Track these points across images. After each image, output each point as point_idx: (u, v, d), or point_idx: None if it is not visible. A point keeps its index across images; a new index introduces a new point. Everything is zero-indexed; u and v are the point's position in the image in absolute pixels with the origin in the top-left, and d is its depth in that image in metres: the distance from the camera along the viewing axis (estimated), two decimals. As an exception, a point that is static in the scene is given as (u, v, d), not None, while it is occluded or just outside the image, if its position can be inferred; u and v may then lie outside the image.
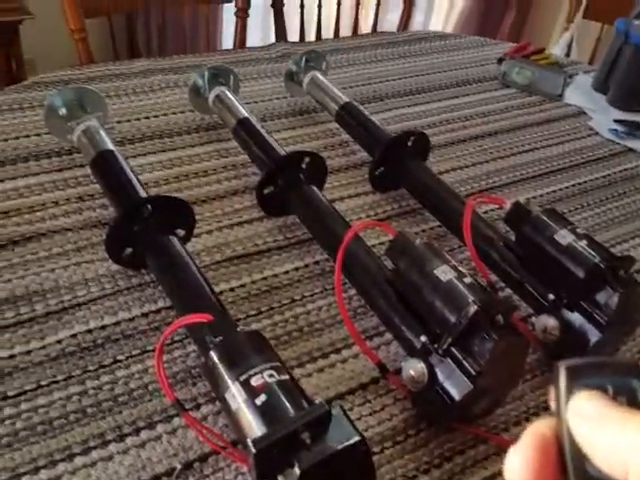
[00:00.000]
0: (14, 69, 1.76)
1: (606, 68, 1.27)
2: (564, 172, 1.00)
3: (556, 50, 1.68)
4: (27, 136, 0.88)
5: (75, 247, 0.70)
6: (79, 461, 0.50)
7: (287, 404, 0.44)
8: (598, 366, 0.25)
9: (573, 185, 0.97)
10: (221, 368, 0.47)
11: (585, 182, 0.99)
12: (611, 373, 0.24)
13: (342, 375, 0.61)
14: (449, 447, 0.56)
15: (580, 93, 1.27)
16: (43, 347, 0.59)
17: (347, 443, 0.42)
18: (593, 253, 0.63)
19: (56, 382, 0.56)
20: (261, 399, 0.44)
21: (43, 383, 0.56)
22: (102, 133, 0.78)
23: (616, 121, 1.18)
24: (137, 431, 0.53)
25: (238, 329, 0.52)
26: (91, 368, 0.58)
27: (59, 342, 0.60)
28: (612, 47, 1.26)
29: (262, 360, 0.47)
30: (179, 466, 0.51)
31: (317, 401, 0.44)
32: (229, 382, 0.46)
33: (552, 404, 0.25)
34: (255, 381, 0.45)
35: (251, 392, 0.45)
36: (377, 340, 0.65)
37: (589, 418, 0.23)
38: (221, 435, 0.53)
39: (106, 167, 0.73)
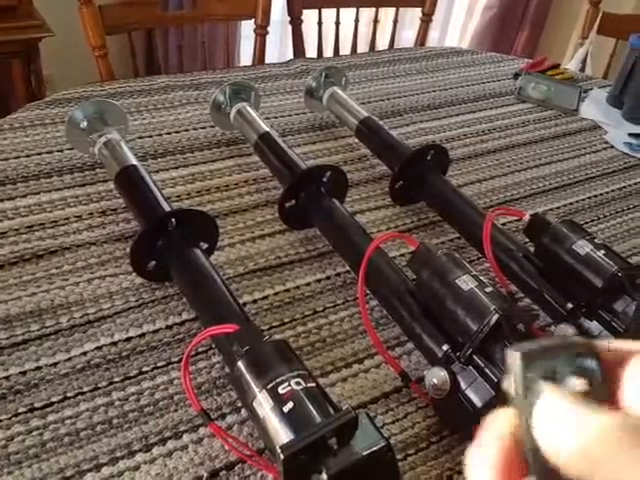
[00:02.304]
0: (33, 86, 1.78)
1: (620, 83, 1.28)
2: (580, 185, 1.01)
3: (571, 65, 1.68)
4: (50, 152, 0.89)
5: (99, 261, 0.71)
6: (106, 471, 0.51)
7: (314, 411, 0.44)
8: (553, 349, 0.24)
9: (589, 197, 0.98)
10: (248, 377, 0.48)
11: (601, 194, 0.99)
12: (567, 355, 0.23)
13: (365, 384, 0.61)
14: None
15: (595, 107, 1.28)
16: (69, 359, 0.60)
17: (373, 449, 0.42)
18: (611, 262, 0.63)
19: (82, 393, 0.57)
20: (288, 406, 0.45)
21: (69, 394, 0.57)
22: (124, 146, 0.79)
23: (631, 135, 1.18)
24: (163, 441, 0.54)
25: (264, 339, 0.53)
26: (117, 379, 0.59)
27: (84, 354, 0.61)
28: (626, 62, 1.26)
29: (289, 368, 0.47)
30: (206, 475, 0.52)
31: (344, 407, 0.44)
32: (256, 390, 0.47)
33: (511, 392, 0.24)
34: (282, 389, 0.46)
35: (278, 400, 0.45)
36: (399, 350, 0.65)
37: (552, 421, 0.22)
38: (246, 444, 0.53)
39: (130, 181, 0.75)
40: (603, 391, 0.23)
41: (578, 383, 0.23)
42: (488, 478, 0.24)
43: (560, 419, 0.22)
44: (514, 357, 0.24)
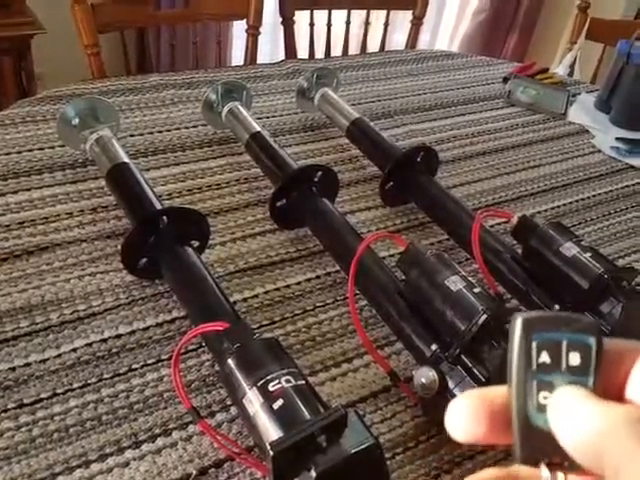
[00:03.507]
0: (24, 83, 1.77)
1: (608, 88, 1.29)
2: (568, 188, 1.02)
3: (559, 70, 1.69)
4: (41, 149, 0.89)
5: (89, 258, 0.72)
6: (95, 468, 0.51)
7: (304, 408, 0.45)
8: (556, 320, 0.24)
9: (576, 201, 0.99)
10: (238, 374, 0.48)
11: (588, 198, 1.00)
12: (568, 328, 0.24)
13: (354, 383, 0.62)
14: (459, 453, 0.57)
15: (583, 112, 1.29)
16: (59, 355, 0.60)
17: (362, 446, 0.43)
18: (597, 265, 0.64)
19: (72, 390, 0.57)
20: (278, 404, 0.45)
21: (59, 391, 0.57)
22: (115, 143, 0.79)
23: (618, 139, 1.20)
24: (153, 438, 0.54)
25: (255, 337, 0.53)
26: (106, 376, 0.59)
27: (74, 351, 0.61)
28: (614, 68, 1.28)
29: (279, 366, 0.48)
30: (194, 472, 0.52)
31: (333, 405, 0.44)
32: (246, 388, 0.47)
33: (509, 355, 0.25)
34: (272, 386, 0.46)
35: (268, 397, 0.46)
36: (388, 349, 0.66)
37: (566, 410, 0.23)
38: (236, 441, 0.54)
39: (122, 179, 0.75)
40: (593, 369, 0.24)
41: (572, 356, 0.24)
42: (466, 423, 0.24)
43: (574, 409, 0.23)
44: (516, 322, 0.24)
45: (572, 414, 0.23)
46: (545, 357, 0.24)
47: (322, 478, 0.41)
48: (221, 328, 0.53)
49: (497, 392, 0.25)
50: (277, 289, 0.71)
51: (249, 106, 0.97)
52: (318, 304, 0.70)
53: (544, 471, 0.24)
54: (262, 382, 0.46)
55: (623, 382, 0.24)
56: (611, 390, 0.24)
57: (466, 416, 0.25)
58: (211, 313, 0.59)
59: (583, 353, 0.24)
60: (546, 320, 0.24)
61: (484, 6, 2.82)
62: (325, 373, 0.62)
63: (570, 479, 0.24)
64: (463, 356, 0.54)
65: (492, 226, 0.86)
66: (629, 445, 0.21)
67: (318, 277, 0.74)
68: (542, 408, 0.24)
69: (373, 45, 1.93)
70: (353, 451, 0.42)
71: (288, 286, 0.72)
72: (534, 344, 0.24)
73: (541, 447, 0.24)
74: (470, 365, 0.54)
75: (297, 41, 1.69)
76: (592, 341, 0.24)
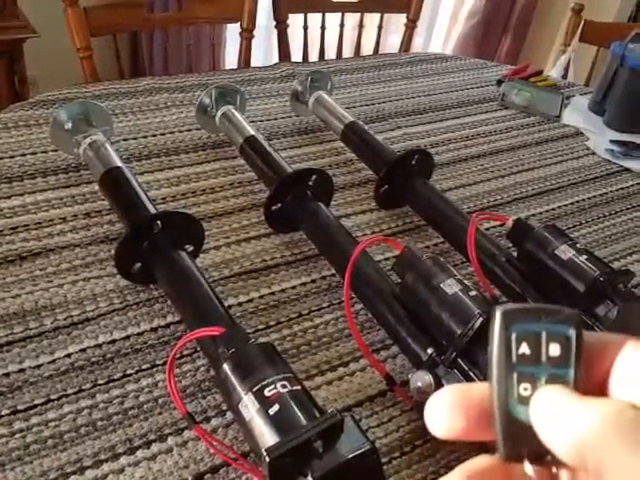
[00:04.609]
0: (17, 86, 1.77)
1: (602, 90, 1.29)
2: (562, 190, 1.02)
3: (553, 72, 1.70)
4: (34, 153, 0.89)
5: (83, 263, 0.71)
6: (90, 474, 0.51)
7: (300, 414, 0.45)
8: (535, 312, 0.24)
9: (571, 203, 0.99)
10: (234, 379, 0.48)
11: (583, 200, 1.00)
12: (547, 320, 0.24)
13: (350, 388, 0.61)
14: (455, 456, 0.56)
15: (577, 114, 1.29)
16: (53, 361, 0.60)
17: (359, 452, 0.43)
18: (593, 268, 0.64)
19: (66, 396, 0.57)
20: (274, 409, 0.45)
21: (53, 397, 0.56)
22: (108, 148, 0.79)
23: (612, 141, 1.20)
24: (148, 444, 0.54)
25: (250, 341, 0.53)
26: (101, 382, 0.58)
27: (68, 356, 0.60)
28: (608, 70, 1.28)
29: (275, 371, 0.48)
30: (190, 478, 0.52)
31: (329, 410, 0.44)
32: (242, 393, 0.47)
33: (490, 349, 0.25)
34: (268, 392, 0.46)
35: (264, 402, 0.45)
36: (384, 353, 0.66)
37: (547, 411, 0.23)
38: (232, 447, 0.53)
39: (115, 183, 0.74)
40: (574, 360, 0.24)
41: (552, 347, 0.24)
42: (445, 418, 0.25)
43: (555, 410, 0.23)
44: (495, 315, 0.24)
45: (553, 415, 0.23)
46: (525, 349, 0.24)
47: (319, 483, 0.41)
48: (216, 333, 0.53)
49: (476, 387, 0.25)
50: (272, 293, 0.71)
51: (243, 110, 0.97)
52: (314, 308, 0.70)
53: (528, 467, 0.24)
54: (258, 387, 0.46)
55: (606, 374, 0.24)
56: (594, 383, 0.25)
57: (444, 412, 0.25)
58: (206, 318, 0.59)
59: (563, 344, 0.24)
60: (525, 312, 0.24)
61: (478, 9, 2.83)
62: (321, 377, 0.62)
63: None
64: (459, 360, 0.54)
65: (487, 229, 0.86)
66: (611, 442, 0.21)
67: (313, 281, 0.74)
68: (523, 400, 0.24)
69: (367, 48, 1.93)
70: (350, 456, 0.42)
71: (283, 290, 0.72)
72: (513, 336, 0.24)
73: (523, 440, 0.24)
74: (466, 368, 0.53)
75: (291, 44, 1.70)
76: (572, 332, 0.24)
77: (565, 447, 0.22)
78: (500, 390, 0.24)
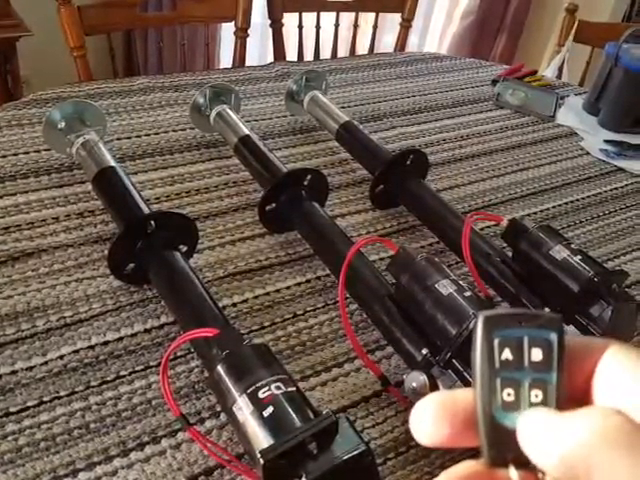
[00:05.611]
0: (10, 85, 1.76)
1: (596, 90, 1.29)
2: (557, 191, 1.02)
3: (548, 72, 1.70)
4: (26, 153, 0.88)
5: (76, 263, 0.71)
6: (83, 477, 0.50)
7: (294, 415, 0.44)
8: (517, 317, 0.24)
9: (566, 203, 0.99)
10: (228, 381, 0.48)
11: (577, 200, 1.00)
12: (529, 324, 0.24)
13: (345, 388, 0.61)
14: (450, 457, 0.56)
15: (572, 114, 1.29)
16: (45, 363, 0.59)
17: (353, 453, 0.42)
18: (587, 268, 0.64)
19: (59, 398, 0.56)
20: (268, 411, 0.44)
21: (46, 399, 0.56)
22: (102, 147, 0.78)
23: (606, 141, 1.20)
24: (141, 446, 0.53)
25: (244, 342, 0.52)
26: (94, 384, 0.58)
27: (61, 358, 0.60)
28: (602, 70, 1.28)
29: (269, 372, 0.47)
30: (184, 480, 0.51)
31: (324, 412, 0.44)
32: (236, 395, 0.46)
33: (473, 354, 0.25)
34: (262, 393, 0.45)
35: (258, 404, 0.45)
36: (378, 354, 0.65)
37: (535, 432, 0.23)
38: (226, 449, 0.53)
39: (108, 183, 0.74)
40: (556, 364, 0.24)
41: (534, 352, 0.24)
42: (429, 426, 0.24)
43: (542, 428, 0.23)
44: (478, 321, 0.25)
45: (540, 436, 0.23)
46: (507, 354, 0.24)
47: (313, 485, 0.41)
48: (210, 334, 0.53)
49: (460, 394, 0.25)
50: (267, 294, 0.71)
51: (238, 109, 0.97)
52: (308, 308, 0.70)
53: (513, 472, 0.24)
54: (252, 389, 0.46)
55: (589, 377, 0.25)
56: (577, 386, 0.25)
57: (428, 419, 0.24)
58: (200, 319, 0.58)
59: (545, 348, 0.24)
60: (507, 317, 0.24)
61: (472, 8, 2.83)
62: (316, 378, 0.62)
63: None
64: (454, 360, 0.54)
65: (482, 229, 0.86)
66: (600, 451, 0.21)
67: (308, 281, 0.73)
68: (507, 406, 0.24)
69: (362, 47, 1.93)
70: (344, 458, 0.42)
71: (278, 290, 0.72)
72: (496, 341, 0.24)
73: (508, 445, 0.24)
74: (461, 369, 0.53)
75: (286, 43, 1.69)
76: (553, 336, 0.24)
77: (555, 465, 0.22)
78: (484, 396, 0.24)
